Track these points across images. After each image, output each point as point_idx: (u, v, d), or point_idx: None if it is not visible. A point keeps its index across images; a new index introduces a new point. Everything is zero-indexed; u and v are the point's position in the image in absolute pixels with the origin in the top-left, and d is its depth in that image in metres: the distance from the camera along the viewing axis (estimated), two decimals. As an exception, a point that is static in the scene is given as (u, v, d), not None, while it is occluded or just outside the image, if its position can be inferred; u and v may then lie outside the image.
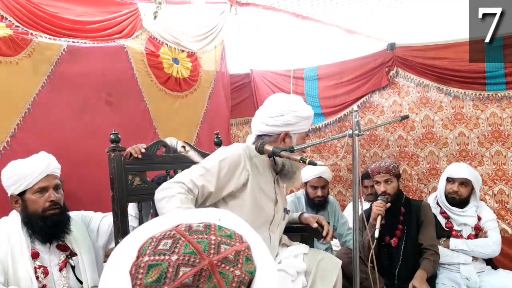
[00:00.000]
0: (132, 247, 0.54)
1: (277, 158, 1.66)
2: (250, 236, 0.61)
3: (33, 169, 1.58)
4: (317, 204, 2.78)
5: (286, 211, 1.78)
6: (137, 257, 0.52)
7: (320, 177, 2.75)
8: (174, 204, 1.36)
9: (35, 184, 1.58)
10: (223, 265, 0.52)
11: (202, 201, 1.49)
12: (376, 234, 2.10)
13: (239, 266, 0.53)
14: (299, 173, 1.72)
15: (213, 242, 0.54)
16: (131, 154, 1.80)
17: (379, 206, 2.24)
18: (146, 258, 0.51)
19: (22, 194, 1.60)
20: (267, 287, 0.55)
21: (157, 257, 0.51)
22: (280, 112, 1.64)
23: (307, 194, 2.85)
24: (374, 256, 1.79)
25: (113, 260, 0.54)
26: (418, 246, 2.29)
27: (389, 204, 2.27)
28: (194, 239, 0.53)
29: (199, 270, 0.50)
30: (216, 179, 1.49)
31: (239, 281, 0.52)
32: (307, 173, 2.79)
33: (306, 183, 2.83)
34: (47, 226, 1.56)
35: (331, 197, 3.00)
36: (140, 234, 0.56)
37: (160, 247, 0.52)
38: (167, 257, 0.51)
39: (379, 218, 2.19)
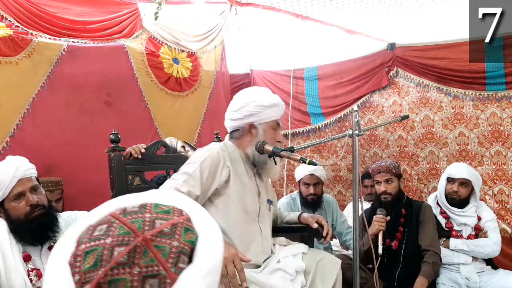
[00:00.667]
0: (71, 239, 0.54)
1: (248, 151, 1.67)
2: (192, 209, 0.60)
3: (2, 179, 1.52)
4: (311, 202, 2.75)
5: (269, 202, 1.77)
6: (76, 247, 0.53)
7: (312, 174, 2.72)
8: None
9: (9, 192, 1.53)
10: (158, 239, 0.52)
11: None
12: (380, 251, 2.06)
13: (177, 237, 0.53)
14: (270, 164, 1.68)
15: (147, 219, 0.54)
16: (131, 154, 1.81)
17: (380, 222, 2.18)
18: (83, 246, 0.52)
19: (1, 204, 1.56)
20: (210, 253, 0.55)
21: (92, 243, 0.51)
22: (241, 105, 1.65)
23: (300, 193, 2.84)
24: (375, 263, 1.80)
25: (54, 253, 0.54)
26: (419, 248, 2.26)
27: (389, 217, 2.22)
28: (128, 219, 0.54)
29: (133, 247, 0.50)
30: (200, 182, 1.50)
31: (177, 251, 0.52)
32: (300, 171, 2.79)
33: (299, 181, 2.83)
34: (32, 229, 1.52)
35: (328, 196, 2.98)
36: (80, 225, 0.56)
37: (96, 233, 0.53)
38: (102, 241, 0.51)
39: (381, 234, 2.15)
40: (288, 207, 2.82)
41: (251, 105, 1.63)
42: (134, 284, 0.48)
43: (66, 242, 0.54)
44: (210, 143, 1.72)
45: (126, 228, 0.52)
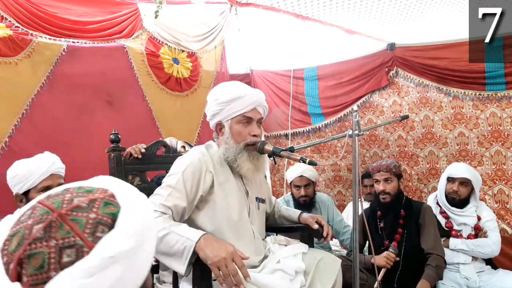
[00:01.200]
0: (5, 228, 0.58)
1: (220, 151, 1.61)
2: (119, 187, 0.63)
3: (37, 169, 1.61)
4: (303, 204, 2.75)
5: (258, 200, 1.73)
6: (7, 234, 0.58)
7: (301, 176, 2.73)
8: (158, 227, 1.33)
9: (39, 183, 1.61)
10: (74, 213, 0.56)
11: (179, 218, 1.47)
12: (375, 286, 2.03)
13: (94, 210, 0.57)
14: (241, 161, 1.58)
15: (67, 198, 0.58)
16: (131, 154, 1.81)
17: (390, 260, 2.15)
18: (10, 231, 0.56)
19: (26, 193, 1.63)
20: (134, 218, 0.58)
21: (17, 227, 0.56)
22: (208, 105, 1.62)
23: (292, 195, 2.85)
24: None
25: None
26: (419, 251, 2.23)
27: (398, 258, 2.19)
28: (50, 201, 0.58)
29: (48, 223, 0.54)
30: (184, 193, 1.46)
31: (95, 222, 0.55)
32: (290, 173, 2.80)
33: (291, 184, 2.83)
34: None
35: (323, 195, 2.97)
36: (14, 215, 0.61)
37: (22, 218, 0.57)
38: (24, 224, 0.56)
39: (383, 271, 2.13)
40: None
41: (213, 104, 1.58)
42: (51, 255, 0.52)
43: (0, 231, 0.58)
44: (192, 149, 1.68)
45: (46, 208, 0.56)
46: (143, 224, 0.59)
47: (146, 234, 0.60)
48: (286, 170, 3.90)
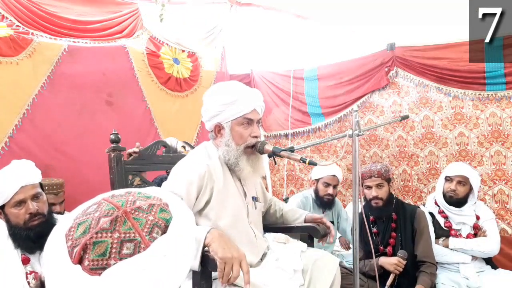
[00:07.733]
0: (70, 217, 0.66)
1: (220, 153, 1.58)
2: (171, 199, 0.72)
3: (4, 185, 1.52)
4: (326, 202, 2.82)
5: (254, 199, 1.71)
6: (72, 222, 0.64)
7: (334, 175, 2.81)
8: None
9: (11, 198, 1.53)
10: (136, 213, 0.64)
11: None
12: None
13: (153, 213, 0.65)
14: (242, 164, 1.58)
15: (130, 199, 0.66)
16: (130, 154, 1.81)
17: (399, 266, 2.15)
18: (77, 220, 0.64)
19: (2, 207, 1.56)
20: (183, 229, 0.67)
21: (84, 217, 0.63)
22: (206, 107, 1.59)
23: (316, 192, 2.86)
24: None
25: (55, 229, 0.66)
26: (413, 256, 2.24)
27: (405, 262, 2.19)
28: (115, 200, 0.66)
29: (115, 217, 0.62)
30: (187, 202, 1.43)
31: (152, 224, 0.64)
32: (322, 171, 2.82)
33: (318, 180, 2.85)
34: (30, 238, 1.52)
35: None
36: (78, 208, 0.68)
37: (88, 210, 0.65)
38: (91, 215, 0.63)
39: (392, 276, 2.14)
40: (302, 205, 2.83)
41: (213, 106, 1.55)
42: (113, 246, 0.59)
43: (65, 220, 0.66)
44: (196, 155, 1.62)
45: (111, 205, 0.64)
46: (187, 232, 0.69)
47: (189, 240, 0.69)
48: (286, 171, 3.91)
